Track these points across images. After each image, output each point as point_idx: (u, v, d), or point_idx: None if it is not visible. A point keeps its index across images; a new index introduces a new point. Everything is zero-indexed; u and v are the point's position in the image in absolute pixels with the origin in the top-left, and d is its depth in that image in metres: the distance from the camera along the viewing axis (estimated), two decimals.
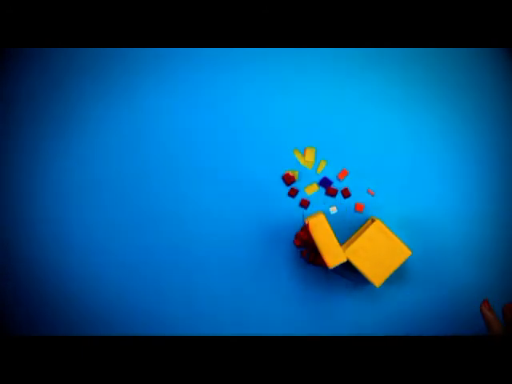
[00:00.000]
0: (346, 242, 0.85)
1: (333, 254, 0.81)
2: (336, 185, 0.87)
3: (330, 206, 0.87)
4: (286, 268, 0.88)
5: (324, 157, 0.87)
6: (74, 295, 0.88)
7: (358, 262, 0.82)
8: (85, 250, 0.88)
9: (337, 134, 0.88)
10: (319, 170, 0.87)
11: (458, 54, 0.88)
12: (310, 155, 0.86)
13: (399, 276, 0.88)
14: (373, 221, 0.83)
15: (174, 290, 0.88)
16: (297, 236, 0.87)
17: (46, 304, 0.88)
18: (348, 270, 0.88)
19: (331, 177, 0.87)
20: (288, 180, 0.86)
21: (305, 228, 0.85)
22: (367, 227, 0.82)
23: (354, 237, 0.84)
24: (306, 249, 0.87)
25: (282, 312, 0.88)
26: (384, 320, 0.88)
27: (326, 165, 0.87)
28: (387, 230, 0.82)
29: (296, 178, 0.87)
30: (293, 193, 0.87)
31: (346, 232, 0.88)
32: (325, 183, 0.87)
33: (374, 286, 0.87)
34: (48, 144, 0.87)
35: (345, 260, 0.81)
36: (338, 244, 0.81)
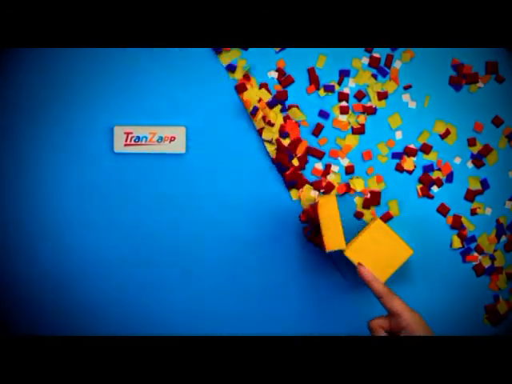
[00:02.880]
0: (349, 243, 0.84)
1: (334, 237, 0.80)
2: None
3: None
4: (285, 268, 0.88)
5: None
6: (75, 295, 0.88)
7: (359, 261, 0.81)
8: (85, 250, 0.88)
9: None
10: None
11: (458, 53, 0.88)
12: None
13: (399, 275, 0.87)
14: (374, 220, 0.83)
15: (175, 290, 0.88)
16: (304, 211, 0.86)
17: (46, 304, 0.88)
18: (347, 266, 0.87)
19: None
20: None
21: (314, 206, 0.84)
22: (369, 226, 0.82)
23: (356, 237, 0.84)
24: (309, 226, 0.87)
25: (282, 312, 0.88)
26: None
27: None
28: (389, 228, 0.81)
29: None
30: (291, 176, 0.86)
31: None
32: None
33: None
34: (48, 145, 0.87)
35: (343, 247, 0.80)
36: (341, 230, 0.80)
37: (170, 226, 0.88)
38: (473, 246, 0.88)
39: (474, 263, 0.88)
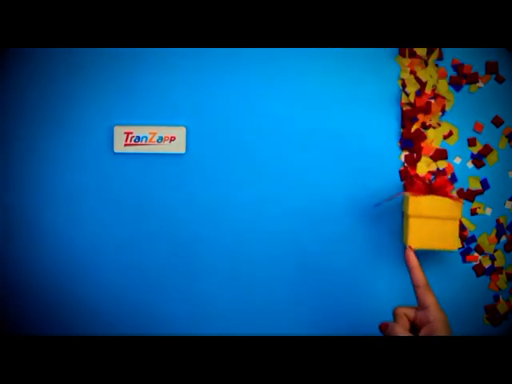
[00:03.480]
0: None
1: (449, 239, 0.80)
2: None
3: None
4: (285, 269, 0.88)
5: None
6: (75, 295, 0.88)
7: (413, 220, 0.81)
8: (85, 250, 0.88)
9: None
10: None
11: (458, 53, 0.88)
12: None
13: (398, 276, 0.87)
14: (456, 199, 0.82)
15: (175, 290, 0.88)
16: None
17: (46, 304, 0.88)
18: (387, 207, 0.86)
19: None
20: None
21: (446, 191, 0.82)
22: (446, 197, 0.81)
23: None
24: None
25: (283, 312, 0.88)
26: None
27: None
28: (459, 215, 0.81)
29: None
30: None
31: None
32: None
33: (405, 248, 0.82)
34: (48, 145, 0.87)
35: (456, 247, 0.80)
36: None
37: (170, 226, 0.88)
38: (473, 246, 0.88)
39: (474, 263, 0.88)
